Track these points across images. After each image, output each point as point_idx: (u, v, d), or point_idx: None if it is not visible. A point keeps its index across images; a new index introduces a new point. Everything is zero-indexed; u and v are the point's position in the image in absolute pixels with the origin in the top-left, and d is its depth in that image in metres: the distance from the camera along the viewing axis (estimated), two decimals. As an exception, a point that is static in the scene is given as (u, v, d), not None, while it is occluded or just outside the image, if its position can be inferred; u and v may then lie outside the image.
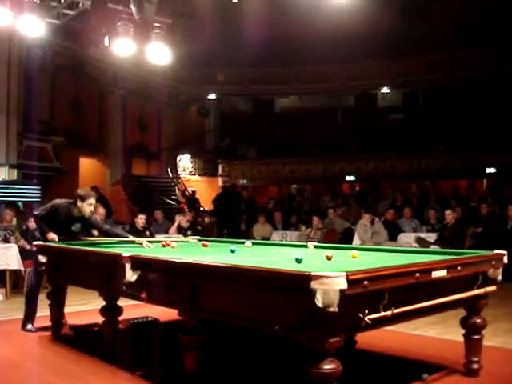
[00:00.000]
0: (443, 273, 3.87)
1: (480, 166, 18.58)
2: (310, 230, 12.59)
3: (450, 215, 11.03)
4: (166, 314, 6.31)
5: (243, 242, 6.31)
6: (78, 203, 6.39)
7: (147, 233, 10.30)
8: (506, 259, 4.50)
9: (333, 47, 19.84)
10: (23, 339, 6.05)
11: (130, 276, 4.48)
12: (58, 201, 6.58)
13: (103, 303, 5.25)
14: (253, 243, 6.29)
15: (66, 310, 6.40)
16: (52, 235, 6.35)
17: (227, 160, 22.59)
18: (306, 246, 5.92)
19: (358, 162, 20.83)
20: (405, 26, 19.63)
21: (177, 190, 19.86)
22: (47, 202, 12.72)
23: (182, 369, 4.20)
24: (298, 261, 3.96)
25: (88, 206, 6.44)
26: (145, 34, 9.88)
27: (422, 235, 11.60)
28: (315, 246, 5.85)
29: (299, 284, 3.17)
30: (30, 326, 6.36)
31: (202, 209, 18.24)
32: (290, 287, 3.26)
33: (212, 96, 23.10)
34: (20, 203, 12.58)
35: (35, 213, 6.69)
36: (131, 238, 6.57)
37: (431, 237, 11.29)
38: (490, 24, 18.37)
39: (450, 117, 19.86)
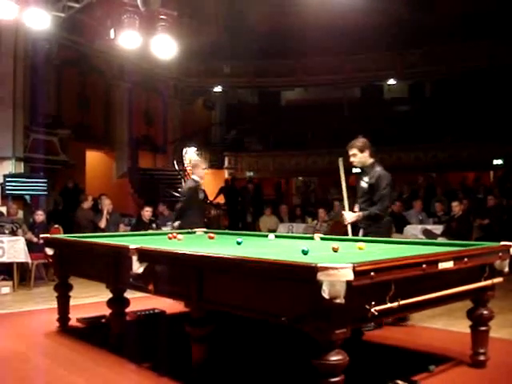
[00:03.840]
0: (450, 264, 3.87)
1: (487, 158, 18.50)
2: (316, 222, 12.59)
3: (457, 207, 11.00)
4: (173, 305, 6.36)
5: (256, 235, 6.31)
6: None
7: (153, 225, 10.33)
8: (513, 251, 4.49)
9: (339, 39, 19.79)
10: (31, 332, 6.08)
11: (137, 268, 4.50)
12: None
13: (110, 295, 5.27)
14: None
15: (74, 302, 6.42)
16: None
17: (233, 152, 22.59)
18: (312, 238, 5.92)
19: (364, 154, 20.70)
20: (411, 17, 19.57)
21: (183, 183, 19.87)
22: (53, 195, 12.79)
23: (189, 360, 4.22)
24: (305, 252, 3.97)
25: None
26: (150, 27, 9.86)
27: (429, 227, 11.57)
28: (322, 238, 5.84)
29: (306, 275, 3.17)
30: None
31: (208, 201, 18.25)
32: (297, 279, 3.27)
33: (218, 88, 23.08)
34: (27, 196, 12.62)
35: None
36: None
37: (438, 229, 11.27)
38: (497, 14, 18.26)
39: (456, 108, 19.77)
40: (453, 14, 19.53)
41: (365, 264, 3.27)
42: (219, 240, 6.16)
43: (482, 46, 19.26)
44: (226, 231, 8.64)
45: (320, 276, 3.08)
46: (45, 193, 12.82)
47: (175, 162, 20.47)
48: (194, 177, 8.00)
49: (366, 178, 6.10)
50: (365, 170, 6.18)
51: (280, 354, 5.06)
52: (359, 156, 6.08)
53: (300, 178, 23.50)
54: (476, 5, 18.83)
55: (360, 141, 6.12)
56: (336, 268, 3.08)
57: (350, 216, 6.06)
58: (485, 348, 4.47)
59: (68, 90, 17.07)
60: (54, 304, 6.28)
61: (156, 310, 6.67)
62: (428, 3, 19.87)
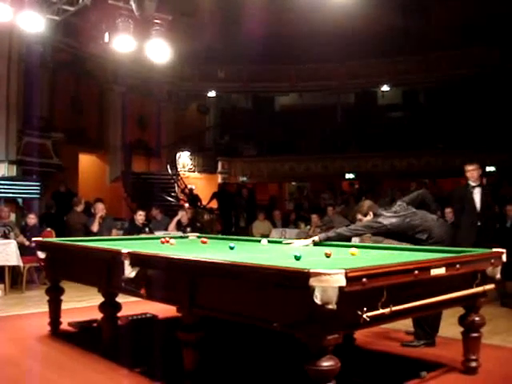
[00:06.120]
0: (442, 271, 3.88)
1: (480, 165, 18.54)
2: (309, 227, 12.59)
3: (450, 213, 11.02)
4: (165, 310, 6.34)
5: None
6: None
7: (146, 229, 10.31)
8: (504, 257, 4.50)
9: (333, 45, 19.82)
10: (22, 336, 6.04)
11: (129, 272, 4.49)
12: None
13: (102, 299, 5.25)
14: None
15: (65, 306, 6.40)
16: None
17: (227, 157, 22.57)
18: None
19: (357, 160, 20.81)
20: (405, 24, 19.61)
21: (176, 187, 19.84)
22: (46, 199, 12.72)
23: (181, 365, 4.20)
24: (297, 258, 3.96)
25: None
26: (145, 31, 9.85)
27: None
28: (314, 244, 5.84)
29: (298, 281, 3.17)
30: None
31: (202, 206, 18.22)
32: (289, 284, 3.27)
33: (212, 93, 23.09)
34: (19, 199, 12.58)
35: None
36: None
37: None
38: (489, 22, 18.35)
39: (449, 115, 19.85)
40: (447, 22, 19.60)
41: (357, 270, 3.28)
42: (212, 245, 6.15)
43: (475, 53, 19.37)
44: (219, 236, 8.64)
45: (312, 282, 3.09)
46: (37, 196, 12.79)
47: (169, 167, 20.43)
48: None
49: None
50: None
51: (273, 359, 5.06)
52: (364, 220, 5.74)
53: (294, 183, 23.52)
54: (469, 13, 18.91)
55: (365, 207, 5.79)
56: (328, 274, 3.09)
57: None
58: (476, 354, 4.48)
59: (62, 93, 17.04)
60: (46, 308, 6.26)
61: (148, 315, 6.65)
62: (422, 11, 19.93)
